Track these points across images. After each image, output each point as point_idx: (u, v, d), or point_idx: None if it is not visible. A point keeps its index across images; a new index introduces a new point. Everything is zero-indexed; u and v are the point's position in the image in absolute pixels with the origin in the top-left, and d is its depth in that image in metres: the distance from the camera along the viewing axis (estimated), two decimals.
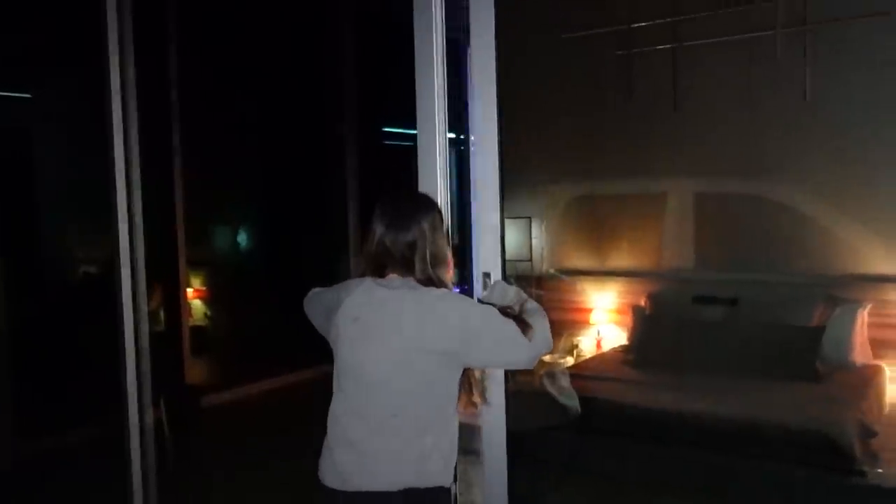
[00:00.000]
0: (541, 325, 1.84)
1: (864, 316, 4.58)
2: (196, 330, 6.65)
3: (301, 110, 7.04)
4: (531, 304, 1.93)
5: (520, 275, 5.17)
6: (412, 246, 1.81)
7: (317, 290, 2.03)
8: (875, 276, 4.61)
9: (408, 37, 2.40)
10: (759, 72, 4.89)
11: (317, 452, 1.88)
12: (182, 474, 4.09)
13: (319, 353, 2.04)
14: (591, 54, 5.47)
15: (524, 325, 1.80)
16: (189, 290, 6.50)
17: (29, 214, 5.51)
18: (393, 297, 1.79)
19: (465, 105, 2.36)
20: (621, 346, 5.34)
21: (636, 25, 5.25)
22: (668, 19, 5.12)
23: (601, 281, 5.69)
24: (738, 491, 3.68)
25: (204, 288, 7.08)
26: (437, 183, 2.37)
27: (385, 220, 1.84)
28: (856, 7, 4.52)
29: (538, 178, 5.62)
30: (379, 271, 1.85)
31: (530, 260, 5.66)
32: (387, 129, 7.76)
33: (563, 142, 5.62)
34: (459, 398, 1.85)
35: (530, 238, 5.68)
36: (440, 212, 1.93)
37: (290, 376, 6.40)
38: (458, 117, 2.40)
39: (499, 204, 2.28)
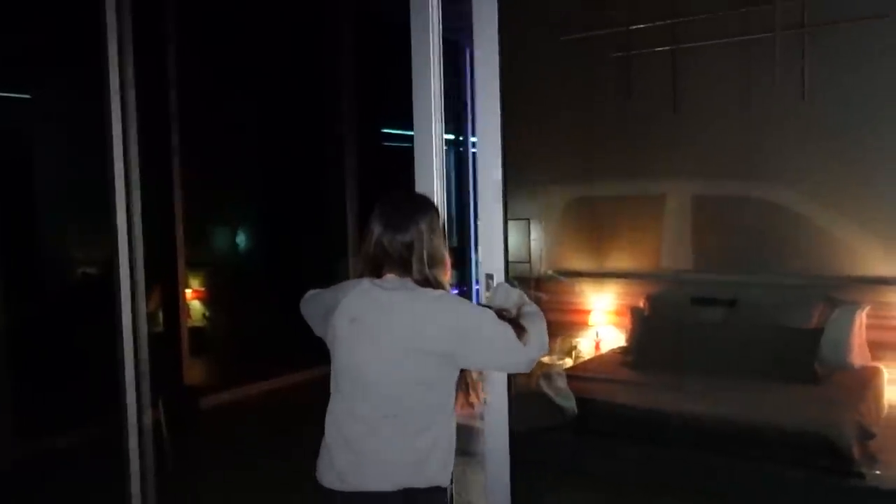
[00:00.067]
0: (537, 328, 1.83)
1: (862, 318, 4.58)
2: (195, 331, 6.64)
3: (300, 111, 7.04)
4: (529, 308, 1.92)
5: (518, 276, 5.17)
6: (409, 246, 1.81)
7: (313, 291, 2.04)
8: (873, 277, 4.61)
9: (407, 37, 2.40)
10: (758, 73, 4.90)
11: (315, 453, 1.88)
12: (180, 475, 4.08)
13: (318, 353, 2.04)
14: (589, 56, 5.47)
15: (520, 329, 1.79)
16: (188, 291, 6.50)
17: (28, 214, 5.50)
18: (390, 298, 1.79)
19: (465, 106, 2.36)
20: (620, 348, 5.34)
21: (635, 27, 5.26)
22: (668, 21, 5.13)
23: (600, 282, 5.69)
24: (737, 492, 3.68)
25: (203, 288, 7.08)
26: (433, 183, 2.36)
27: (383, 221, 1.84)
28: (853, 9, 4.53)
29: (537, 179, 5.62)
30: (376, 272, 1.85)
31: (529, 261, 5.66)
32: (386, 130, 7.76)
33: (561, 143, 5.62)
34: (457, 398, 1.85)
35: (529, 239, 5.68)
36: (438, 213, 1.93)
37: (289, 377, 6.39)
38: (457, 118, 2.40)
39: (501, 204, 2.27)
